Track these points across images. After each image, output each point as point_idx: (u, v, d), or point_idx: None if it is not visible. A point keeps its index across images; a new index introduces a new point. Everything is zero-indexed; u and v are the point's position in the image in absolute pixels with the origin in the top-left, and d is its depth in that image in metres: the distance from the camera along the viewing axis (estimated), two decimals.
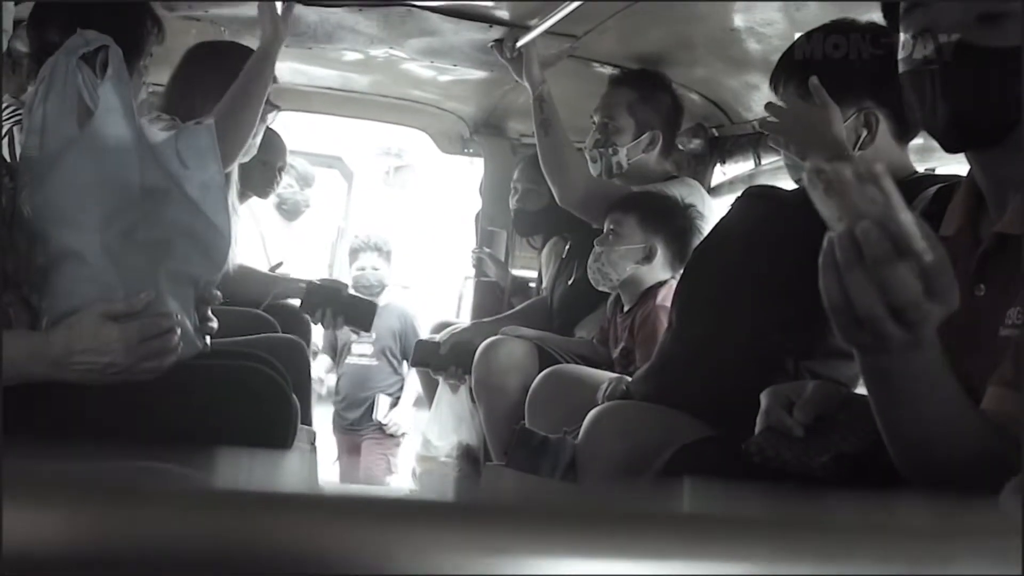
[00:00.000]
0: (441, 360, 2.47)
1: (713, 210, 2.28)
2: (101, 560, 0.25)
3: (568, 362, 2.14)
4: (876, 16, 1.27)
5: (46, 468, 0.27)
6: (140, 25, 1.72)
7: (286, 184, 3.52)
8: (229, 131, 1.77)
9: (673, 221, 2.16)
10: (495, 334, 2.31)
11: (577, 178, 2.34)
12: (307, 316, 2.40)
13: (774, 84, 1.57)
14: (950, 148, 1.07)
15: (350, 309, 2.38)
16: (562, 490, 1.58)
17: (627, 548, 0.29)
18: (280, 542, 0.26)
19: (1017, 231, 0.96)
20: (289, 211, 4.05)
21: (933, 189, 1.24)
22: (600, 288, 2.23)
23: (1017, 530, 0.30)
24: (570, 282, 2.55)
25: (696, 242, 2.10)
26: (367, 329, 2.52)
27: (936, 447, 0.87)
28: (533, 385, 1.99)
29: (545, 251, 2.97)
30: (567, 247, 2.72)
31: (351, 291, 2.48)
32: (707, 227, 2.11)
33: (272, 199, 3.35)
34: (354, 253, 3.58)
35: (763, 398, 1.12)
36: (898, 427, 0.88)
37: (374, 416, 3.45)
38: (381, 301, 3.56)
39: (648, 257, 2.14)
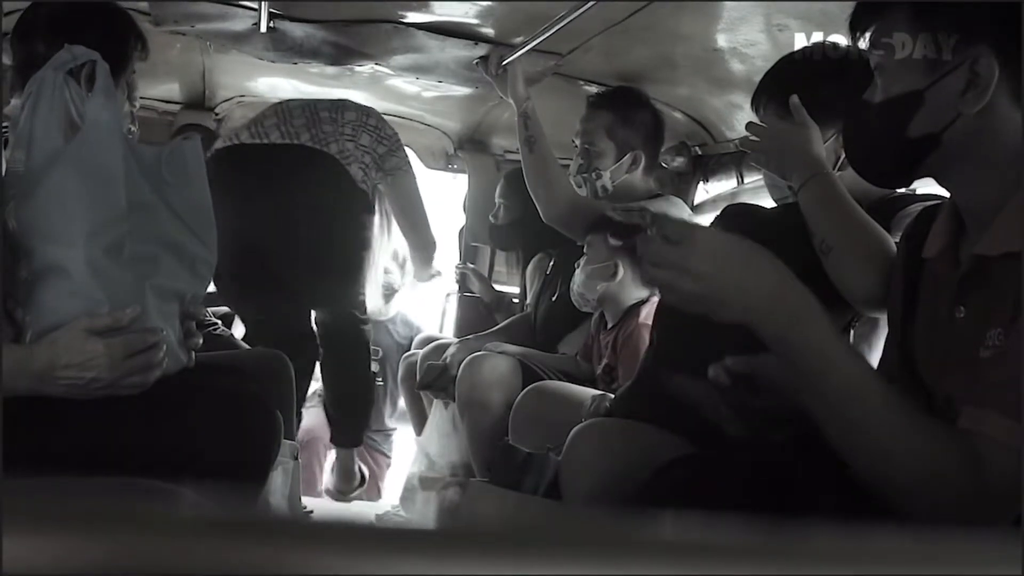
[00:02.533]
0: (448, 380, 2.40)
1: None
2: None
3: (552, 378, 2.14)
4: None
5: (41, 493, 0.28)
6: (125, 40, 1.72)
7: None
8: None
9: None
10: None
11: (561, 194, 2.35)
12: None
13: (755, 104, 1.59)
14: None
15: None
16: (543, 509, 1.58)
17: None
18: (275, 569, 0.27)
19: (995, 252, 0.97)
20: None
21: (918, 209, 1.26)
22: (584, 310, 2.24)
23: (984, 561, 0.31)
24: (554, 298, 2.55)
25: None
26: None
27: (869, 455, 0.92)
28: (517, 401, 1.99)
29: (530, 267, 2.98)
30: (551, 263, 2.72)
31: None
32: None
33: None
34: None
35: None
36: (826, 426, 0.94)
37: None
38: (391, 311, 3.48)
39: (614, 274, 2.14)
